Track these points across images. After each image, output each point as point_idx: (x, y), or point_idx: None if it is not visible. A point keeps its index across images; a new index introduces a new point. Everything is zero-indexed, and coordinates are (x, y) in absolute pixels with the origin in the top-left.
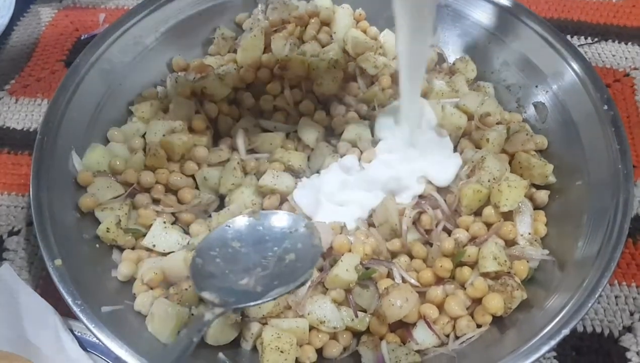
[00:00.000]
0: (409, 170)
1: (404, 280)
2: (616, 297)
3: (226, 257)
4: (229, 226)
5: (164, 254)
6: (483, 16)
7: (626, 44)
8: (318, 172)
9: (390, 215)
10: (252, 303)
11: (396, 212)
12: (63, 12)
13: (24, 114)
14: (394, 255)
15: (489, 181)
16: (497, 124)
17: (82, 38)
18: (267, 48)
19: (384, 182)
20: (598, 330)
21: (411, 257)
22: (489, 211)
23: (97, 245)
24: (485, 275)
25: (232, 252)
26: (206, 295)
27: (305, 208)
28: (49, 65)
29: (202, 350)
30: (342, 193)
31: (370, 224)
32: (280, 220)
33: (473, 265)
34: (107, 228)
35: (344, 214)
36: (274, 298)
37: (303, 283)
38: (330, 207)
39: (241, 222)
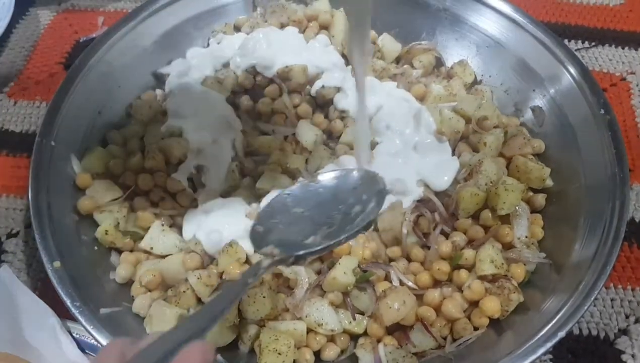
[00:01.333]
0: (408, 174)
1: (401, 283)
2: (612, 299)
3: (289, 223)
4: (288, 193)
5: (162, 256)
6: (481, 20)
7: (623, 48)
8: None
9: (397, 223)
10: (316, 249)
11: (403, 222)
12: (62, 15)
13: (23, 116)
14: (392, 259)
15: (486, 184)
16: (495, 127)
17: (80, 41)
18: None
19: (390, 183)
20: (594, 332)
21: (409, 259)
22: (486, 214)
23: (96, 247)
24: (482, 278)
25: (295, 217)
26: (266, 249)
27: None
28: (48, 67)
29: None
30: None
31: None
32: (339, 179)
33: (470, 268)
34: (106, 230)
35: None
36: (341, 243)
37: (369, 224)
38: None
39: (300, 188)
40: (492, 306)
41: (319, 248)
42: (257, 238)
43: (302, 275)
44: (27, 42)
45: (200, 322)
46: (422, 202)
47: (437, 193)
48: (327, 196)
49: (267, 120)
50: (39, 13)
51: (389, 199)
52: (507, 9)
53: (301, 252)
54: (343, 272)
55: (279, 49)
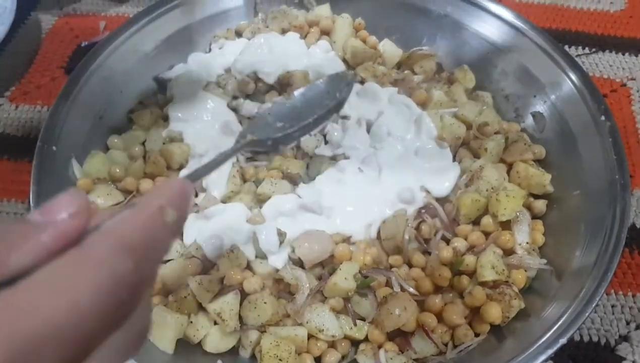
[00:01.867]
0: (414, 182)
1: (402, 289)
2: (612, 306)
3: (270, 134)
4: (269, 112)
5: (163, 262)
6: (482, 26)
7: (623, 54)
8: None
9: (398, 232)
10: (291, 131)
11: (405, 231)
12: (63, 19)
13: (24, 120)
14: (393, 265)
15: (487, 190)
16: (496, 133)
17: (82, 45)
18: None
19: (399, 193)
20: (595, 339)
21: (410, 265)
22: (487, 220)
23: None
24: (483, 284)
25: (277, 128)
26: (245, 138)
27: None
28: (49, 72)
29: (200, 358)
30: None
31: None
32: (312, 89)
33: (471, 274)
34: None
35: (353, 220)
36: (316, 124)
37: (340, 104)
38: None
39: (278, 105)
40: (493, 312)
41: (293, 130)
42: (238, 144)
43: (303, 280)
44: (29, 47)
45: None
46: (423, 207)
47: (437, 199)
48: (304, 107)
49: None
50: (41, 17)
51: (395, 207)
52: (508, 15)
53: (279, 135)
54: (344, 277)
55: (280, 54)
